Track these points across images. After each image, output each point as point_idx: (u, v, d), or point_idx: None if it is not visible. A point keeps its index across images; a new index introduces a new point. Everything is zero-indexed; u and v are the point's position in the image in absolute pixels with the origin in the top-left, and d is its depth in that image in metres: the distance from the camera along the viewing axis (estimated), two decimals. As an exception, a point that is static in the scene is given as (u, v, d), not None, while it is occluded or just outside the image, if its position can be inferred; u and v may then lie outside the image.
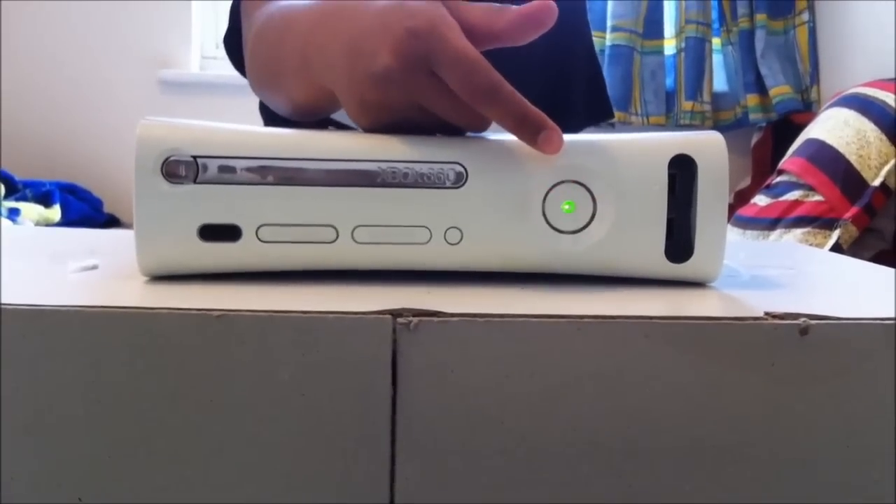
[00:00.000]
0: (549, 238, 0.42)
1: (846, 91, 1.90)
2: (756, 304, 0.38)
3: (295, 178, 0.40)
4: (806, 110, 2.29)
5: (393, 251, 0.41)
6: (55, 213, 2.06)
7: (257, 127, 0.42)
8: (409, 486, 0.34)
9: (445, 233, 0.41)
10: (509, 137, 0.42)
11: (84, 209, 2.17)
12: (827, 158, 1.78)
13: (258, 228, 0.40)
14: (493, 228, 0.41)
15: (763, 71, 2.30)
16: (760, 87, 2.32)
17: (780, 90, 2.29)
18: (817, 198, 1.76)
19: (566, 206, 0.42)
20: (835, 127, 1.81)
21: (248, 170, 0.40)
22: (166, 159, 0.39)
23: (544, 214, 0.42)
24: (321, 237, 0.41)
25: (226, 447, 0.34)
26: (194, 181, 0.39)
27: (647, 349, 0.34)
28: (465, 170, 0.41)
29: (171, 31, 2.36)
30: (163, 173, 0.39)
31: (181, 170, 0.39)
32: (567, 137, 0.42)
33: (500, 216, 0.41)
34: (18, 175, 2.08)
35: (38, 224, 1.97)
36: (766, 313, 0.35)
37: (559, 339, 0.34)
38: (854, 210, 1.70)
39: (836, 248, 1.66)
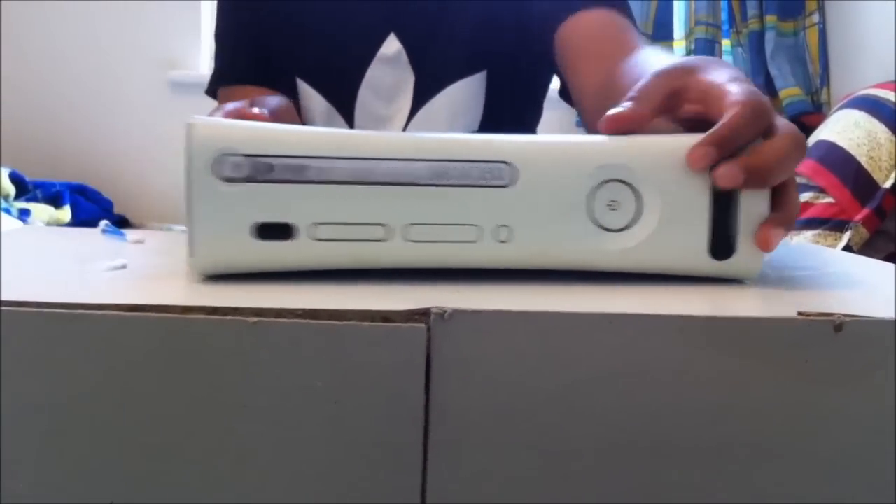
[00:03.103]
0: (596, 236, 0.42)
1: (857, 93, 1.90)
2: (788, 302, 0.38)
3: (348, 177, 0.40)
4: (816, 112, 2.28)
5: (443, 249, 0.42)
6: (65, 213, 2.07)
7: (309, 126, 0.43)
8: (441, 485, 0.34)
9: (495, 231, 0.42)
10: (557, 136, 0.43)
11: (94, 210, 2.18)
12: (838, 160, 1.77)
13: (312, 227, 0.40)
14: (542, 227, 0.42)
15: (773, 72, 2.29)
16: (770, 89, 2.31)
17: (790, 92, 2.28)
18: (828, 199, 1.75)
19: (611, 205, 0.43)
20: (845, 129, 1.80)
21: (302, 168, 0.40)
22: (220, 158, 0.39)
23: (591, 212, 0.42)
24: (374, 235, 0.41)
25: (259, 453, 0.34)
26: (248, 180, 0.39)
27: (680, 346, 0.34)
28: (515, 168, 0.41)
29: (180, 33, 2.37)
30: (217, 173, 0.39)
31: (235, 169, 0.39)
32: (612, 138, 0.44)
33: (548, 214, 0.42)
34: (29, 176, 2.08)
35: (48, 225, 1.97)
36: (800, 313, 0.35)
37: (592, 332, 0.34)
38: (865, 212, 1.69)
39: (847, 250, 1.65)
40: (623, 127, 0.45)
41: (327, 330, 0.33)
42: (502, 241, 0.42)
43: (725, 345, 0.34)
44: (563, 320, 0.34)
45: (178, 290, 0.38)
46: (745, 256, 0.43)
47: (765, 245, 0.43)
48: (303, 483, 0.34)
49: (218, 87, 0.97)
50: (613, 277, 0.43)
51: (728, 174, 0.42)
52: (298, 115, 0.94)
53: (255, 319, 0.33)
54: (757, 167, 0.42)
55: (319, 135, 0.41)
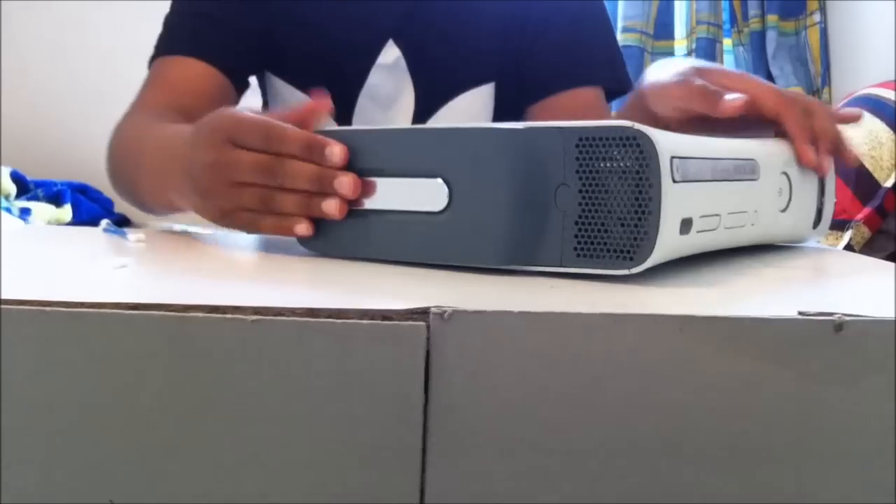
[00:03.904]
0: (781, 216, 0.57)
1: (858, 92, 1.89)
2: (788, 301, 0.38)
3: (735, 175, 0.49)
4: (817, 111, 2.28)
5: (733, 234, 0.50)
6: (66, 212, 2.07)
7: (699, 136, 0.50)
8: (440, 484, 0.34)
9: (751, 216, 0.52)
10: (755, 139, 0.56)
11: (95, 209, 2.18)
12: (839, 159, 1.76)
13: (698, 219, 0.45)
14: (767, 210, 0.55)
15: (774, 72, 2.29)
16: (771, 89, 2.31)
17: (791, 91, 2.28)
18: (829, 199, 1.75)
19: (780, 191, 0.57)
20: (847, 128, 1.80)
21: (710, 169, 0.46)
22: (673, 162, 0.42)
23: (778, 198, 0.56)
24: (725, 223, 0.48)
25: (259, 452, 0.34)
26: (685, 181, 0.43)
27: (682, 345, 0.34)
28: (759, 165, 0.52)
29: (181, 32, 2.36)
30: (671, 175, 0.41)
31: (678, 171, 0.42)
32: (774, 140, 0.59)
33: (769, 200, 0.55)
34: (30, 175, 2.08)
35: (49, 224, 1.97)
36: (800, 312, 0.35)
37: (593, 331, 0.34)
38: (866, 211, 1.69)
39: (848, 248, 1.65)
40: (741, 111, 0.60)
41: (327, 328, 0.33)
42: (752, 225, 0.52)
43: (726, 344, 0.34)
44: (563, 320, 0.34)
45: (180, 289, 0.38)
46: (823, 225, 0.63)
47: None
48: (302, 480, 0.34)
49: (162, 54, 0.90)
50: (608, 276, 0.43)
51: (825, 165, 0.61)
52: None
53: (255, 318, 0.33)
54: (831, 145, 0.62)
55: (718, 143, 0.51)
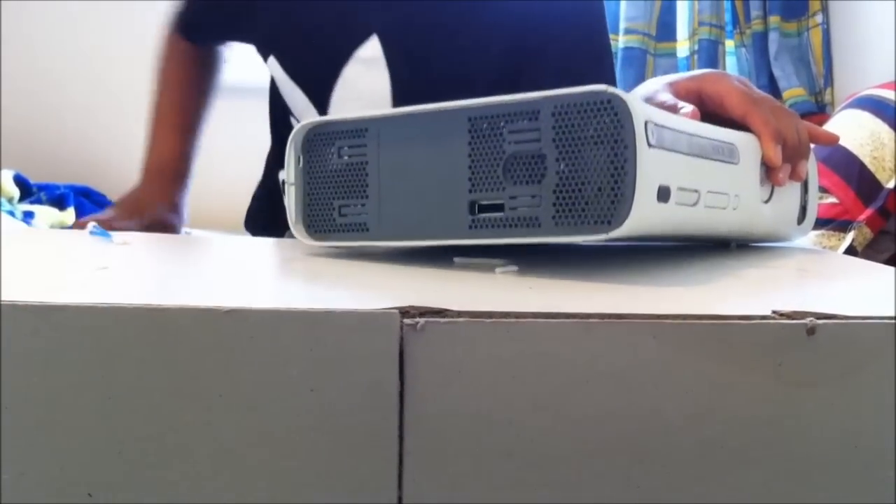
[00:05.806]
0: (762, 206, 0.57)
1: (860, 93, 1.89)
2: (764, 303, 0.38)
3: (714, 155, 0.49)
4: (820, 112, 2.28)
5: (715, 215, 0.50)
6: (69, 215, 2.07)
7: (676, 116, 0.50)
8: (417, 484, 0.34)
9: (733, 199, 0.51)
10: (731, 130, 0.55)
11: (98, 212, 2.18)
12: (841, 160, 1.76)
13: (676, 190, 0.44)
14: (750, 197, 0.55)
15: (776, 73, 2.29)
16: (774, 90, 2.31)
17: (793, 92, 2.27)
18: (832, 200, 1.75)
19: (761, 181, 0.56)
20: (849, 129, 1.80)
21: (687, 143, 0.46)
22: (648, 126, 0.41)
23: (760, 188, 0.56)
24: (708, 202, 0.48)
25: (234, 443, 0.34)
26: (655, 146, 0.42)
27: (655, 348, 0.34)
28: (738, 150, 0.52)
29: (184, 35, 2.37)
30: (646, 139, 0.41)
31: (653, 136, 0.42)
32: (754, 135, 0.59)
33: (751, 187, 0.55)
34: (33, 178, 2.09)
35: (52, 227, 1.98)
36: (774, 312, 0.35)
37: (566, 338, 0.34)
38: (868, 212, 1.68)
39: (851, 250, 1.65)
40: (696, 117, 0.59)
41: (302, 317, 0.33)
42: (735, 209, 0.51)
43: (698, 347, 0.34)
44: (536, 327, 0.34)
45: (158, 291, 0.39)
46: (808, 220, 0.64)
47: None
48: (278, 473, 0.34)
49: (180, 32, 1.07)
50: (581, 277, 0.42)
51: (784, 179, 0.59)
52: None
53: (229, 308, 0.33)
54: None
55: (697, 123, 0.51)
